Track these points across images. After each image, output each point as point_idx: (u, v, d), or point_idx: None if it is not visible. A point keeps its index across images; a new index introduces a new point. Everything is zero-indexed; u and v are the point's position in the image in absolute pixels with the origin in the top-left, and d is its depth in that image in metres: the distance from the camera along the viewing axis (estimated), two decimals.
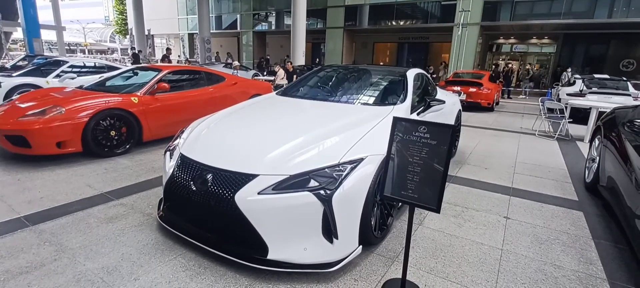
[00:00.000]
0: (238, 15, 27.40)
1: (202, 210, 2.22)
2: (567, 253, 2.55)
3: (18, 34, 22.04)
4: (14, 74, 7.24)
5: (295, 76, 10.25)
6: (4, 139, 3.87)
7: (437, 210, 1.73)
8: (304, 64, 15.61)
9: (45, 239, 2.43)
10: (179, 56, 29.97)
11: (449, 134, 1.69)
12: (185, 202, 2.34)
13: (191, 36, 29.92)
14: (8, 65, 11.20)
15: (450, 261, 2.37)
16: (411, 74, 3.75)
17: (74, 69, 7.72)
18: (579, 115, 7.65)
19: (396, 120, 1.86)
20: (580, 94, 8.95)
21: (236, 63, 14.14)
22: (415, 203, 1.79)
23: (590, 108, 6.75)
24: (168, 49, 15.43)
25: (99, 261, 2.20)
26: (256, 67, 20.00)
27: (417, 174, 1.79)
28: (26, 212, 2.84)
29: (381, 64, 24.30)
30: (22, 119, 3.87)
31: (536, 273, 2.28)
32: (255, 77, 13.75)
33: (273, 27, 26.32)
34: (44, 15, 21.50)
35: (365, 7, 21.31)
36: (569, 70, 14.23)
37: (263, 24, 26.89)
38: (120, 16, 38.13)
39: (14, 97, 5.24)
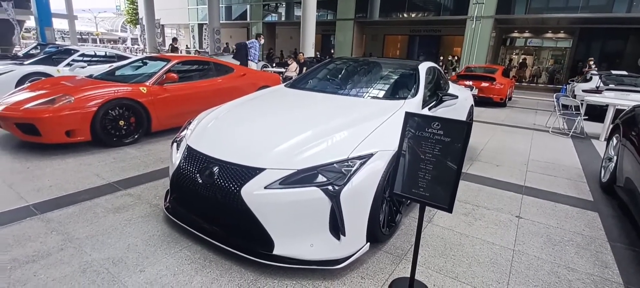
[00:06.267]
0: (248, 6, 27.31)
1: (208, 203, 2.20)
2: (581, 256, 2.47)
3: (31, 22, 22.27)
4: (25, 62, 7.31)
5: (305, 68, 10.17)
6: (14, 127, 3.90)
7: (449, 210, 1.66)
8: (313, 55, 15.48)
9: (52, 228, 2.44)
10: (187, 46, 30.03)
11: (464, 131, 1.62)
12: (191, 194, 2.31)
13: (201, 26, 29.96)
14: (20, 54, 11.33)
15: (460, 261, 2.31)
16: (423, 67, 3.66)
17: (85, 58, 7.76)
18: (595, 113, 7.45)
19: (408, 116, 1.80)
20: (597, 91, 8.71)
21: None
22: (427, 202, 1.74)
23: (607, 105, 6.55)
24: (175, 39, 15.38)
25: (105, 251, 2.20)
26: (265, 58, 19.94)
27: (429, 172, 1.72)
28: (35, 200, 2.85)
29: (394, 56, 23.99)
30: (32, 107, 3.89)
31: (549, 276, 2.21)
32: (264, 69, 13.70)
33: (283, 18, 26.20)
34: (56, 4, 21.67)
35: None
36: (591, 60, 13.60)
37: (273, 14, 26.76)
38: (131, 5, 38.27)
39: (25, 85, 5.28)
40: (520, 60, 23.10)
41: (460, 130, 1.64)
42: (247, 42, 10.28)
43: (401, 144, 1.81)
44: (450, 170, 1.66)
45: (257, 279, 2.02)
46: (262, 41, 11.26)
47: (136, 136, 4.56)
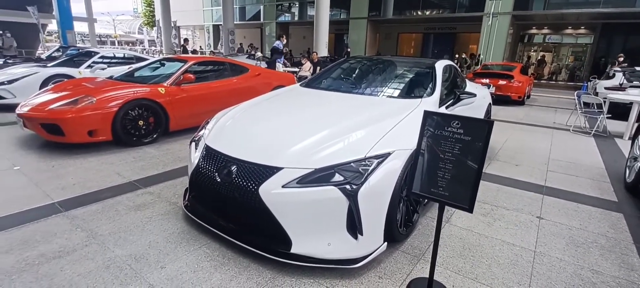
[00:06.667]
0: (261, 7, 27.49)
1: (227, 201, 2.23)
2: (606, 258, 2.40)
3: (53, 26, 22.98)
4: (48, 65, 7.54)
5: (319, 67, 10.18)
6: (39, 127, 4.03)
7: (470, 209, 1.64)
8: (326, 55, 15.47)
9: (77, 225, 2.51)
10: (200, 47, 30.45)
11: (486, 130, 1.60)
12: (210, 192, 2.35)
13: (216, 27, 30.32)
14: (44, 56, 11.70)
15: (480, 262, 2.27)
16: (440, 65, 3.62)
17: (105, 60, 7.96)
18: (618, 111, 7.20)
19: (427, 114, 1.78)
20: (620, 88, 8.42)
21: (259, 54, 14.20)
22: (446, 201, 1.72)
23: (631, 103, 6.33)
24: (186, 39, 15.59)
25: (127, 248, 2.25)
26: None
27: (448, 171, 1.70)
28: (59, 198, 2.95)
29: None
30: (56, 107, 4.02)
31: (572, 278, 2.15)
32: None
33: (296, 18, 26.26)
34: (77, 7, 22.26)
35: None
36: (621, 56, 12.98)
37: (286, 14, 26.87)
38: (147, 8, 39.04)
39: (49, 87, 5.45)
40: (539, 57, 22.54)
41: (482, 129, 1.62)
42: (274, 45, 10.55)
43: (420, 142, 1.79)
44: (471, 170, 1.64)
45: (275, 277, 2.03)
46: (284, 41, 11.44)
47: (155, 136, 4.65)
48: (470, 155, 1.64)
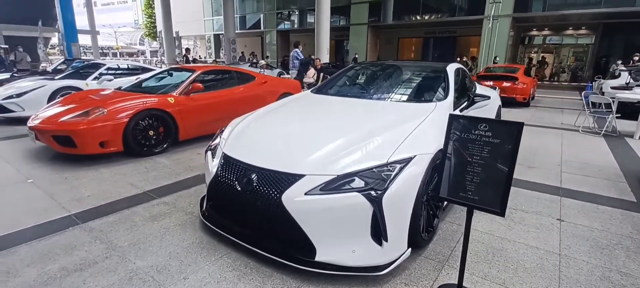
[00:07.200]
0: (262, 15, 27.67)
1: (248, 210, 2.21)
2: (633, 260, 2.36)
3: (55, 39, 23.14)
4: (56, 77, 7.56)
5: (322, 74, 10.18)
6: (51, 139, 4.03)
7: (502, 213, 1.62)
8: (328, 61, 15.50)
9: (95, 237, 2.49)
10: (200, 56, 30.63)
11: (515, 132, 1.58)
12: (230, 201, 2.33)
13: (217, 37, 30.51)
14: (49, 69, 11.75)
15: (505, 266, 2.24)
16: (451, 69, 3.61)
17: (110, 71, 7.98)
18: (626, 110, 7.16)
19: (452, 118, 1.76)
20: (627, 87, 8.40)
21: (262, 62, 14.24)
22: (476, 205, 1.69)
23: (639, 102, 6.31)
24: (187, 49, 15.71)
25: (148, 259, 2.23)
26: (280, 65, 20.10)
27: (477, 175, 1.68)
28: (76, 210, 2.93)
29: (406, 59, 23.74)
30: (68, 119, 4.02)
31: (601, 281, 2.12)
32: (281, 76, 13.79)
33: (296, 26, 26.39)
34: (79, 20, 22.43)
35: (390, 1, 20.96)
36: (619, 62, 13.07)
37: (286, 22, 27.03)
38: (149, 19, 39.37)
39: (57, 99, 5.47)
40: (539, 59, 22.55)
41: (511, 132, 1.61)
42: (300, 58, 10.47)
43: (446, 146, 1.77)
44: (501, 173, 1.62)
45: (300, 286, 2.01)
46: (301, 48, 11.48)
47: (165, 145, 4.64)
48: (500, 158, 1.62)
